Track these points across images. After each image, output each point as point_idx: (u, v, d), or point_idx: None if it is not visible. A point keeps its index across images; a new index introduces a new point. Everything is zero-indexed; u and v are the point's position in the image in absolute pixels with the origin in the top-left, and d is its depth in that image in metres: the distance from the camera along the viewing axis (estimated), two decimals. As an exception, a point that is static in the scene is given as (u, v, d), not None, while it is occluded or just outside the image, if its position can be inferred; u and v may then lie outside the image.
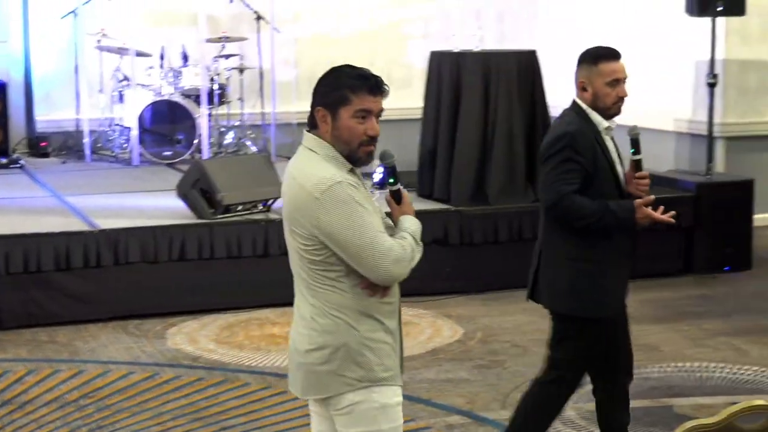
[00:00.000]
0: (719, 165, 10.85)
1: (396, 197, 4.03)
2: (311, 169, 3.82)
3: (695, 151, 11.04)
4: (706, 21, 10.24)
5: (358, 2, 12.78)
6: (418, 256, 3.92)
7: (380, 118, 3.92)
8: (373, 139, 3.88)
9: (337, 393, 3.90)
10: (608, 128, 4.95)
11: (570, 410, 6.04)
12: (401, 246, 3.86)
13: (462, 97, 9.36)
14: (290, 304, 9.00)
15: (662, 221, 4.99)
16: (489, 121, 9.29)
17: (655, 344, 7.55)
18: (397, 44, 12.96)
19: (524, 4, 13.41)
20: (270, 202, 8.85)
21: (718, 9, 10.01)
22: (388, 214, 4.04)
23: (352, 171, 3.88)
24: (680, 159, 11.37)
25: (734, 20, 10.79)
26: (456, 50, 9.76)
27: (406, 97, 12.83)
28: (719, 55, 10.67)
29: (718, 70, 10.43)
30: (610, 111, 4.93)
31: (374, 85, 3.86)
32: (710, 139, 10.28)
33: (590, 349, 5.02)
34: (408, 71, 12.92)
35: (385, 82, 3.93)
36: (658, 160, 11.38)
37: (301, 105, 12.44)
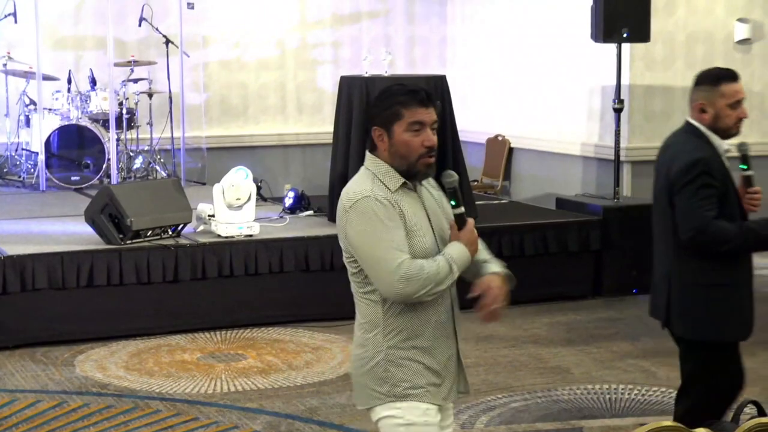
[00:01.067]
0: (626, 189, 11.00)
1: (459, 221, 3.93)
2: (352, 185, 3.94)
3: (602, 176, 11.18)
4: (612, 47, 10.40)
5: (268, 27, 12.77)
6: (447, 281, 3.86)
7: (435, 130, 3.93)
8: (430, 150, 3.89)
9: (368, 405, 4.02)
10: (727, 150, 4.95)
11: (481, 433, 6.06)
12: (419, 266, 3.82)
13: (372, 122, 9.37)
14: (200, 329, 8.98)
15: None
16: (399, 146, 9.31)
17: (566, 367, 7.62)
18: (307, 69, 12.98)
19: (434, 30, 13.51)
20: (180, 227, 8.79)
21: (623, 35, 10.16)
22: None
23: (404, 185, 3.91)
24: (587, 183, 11.51)
25: (639, 46, 10.97)
26: (366, 75, 9.79)
27: (317, 121, 12.89)
28: (625, 81, 10.84)
29: (623, 95, 10.60)
30: (731, 132, 4.93)
31: (424, 98, 3.91)
32: (617, 163, 10.42)
33: (723, 373, 5.00)
34: (318, 96, 12.94)
35: (433, 96, 3.98)
36: (566, 184, 11.53)
37: (211, 129, 12.50)
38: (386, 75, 9.87)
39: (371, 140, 3.95)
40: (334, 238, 8.90)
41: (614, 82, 10.37)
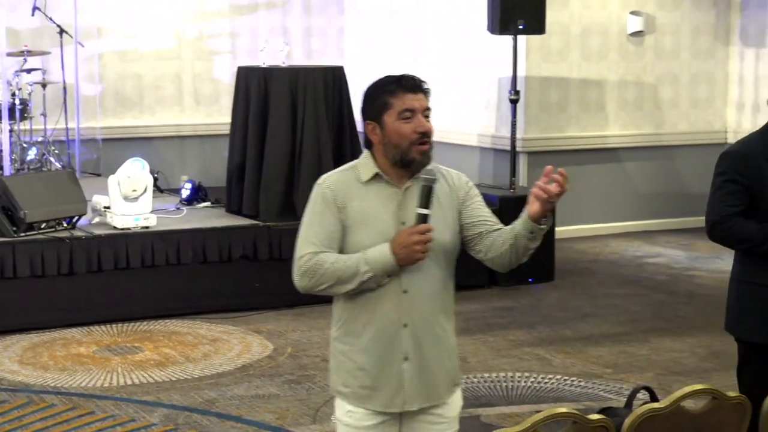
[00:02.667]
0: (522, 179, 11.11)
1: (417, 222, 3.71)
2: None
3: (499, 166, 11.28)
4: (508, 39, 10.48)
5: (164, 17, 12.65)
6: (355, 281, 3.72)
7: (428, 117, 3.81)
8: (424, 136, 3.76)
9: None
10: None
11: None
12: (319, 262, 3.76)
13: (270, 113, 9.35)
14: (96, 322, 8.86)
15: None
16: (297, 136, 9.31)
17: (463, 356, 7.67)
18: (204, 60, 12.88)
19: (331, 21, 13.50)
20: (75, 219, 8.68)
21: (519, 27, 10.25)
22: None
23: (378, 177, 3.79)
24: (484, 173, 11.60)
25: (535, 38, 11.08)
26: (263, 66, 9.75)
27: (214, 112, 12.80)
28: (521, 72, 10.95)
29: (520, 86, 10.69)
30: None
31: (411, 83, 3.80)
32: (513, 153, 10.51)
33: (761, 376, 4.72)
34: (215, 87, 12.85)
35: (422, 81, 3.84)
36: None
37: (106, 120, 12.34)
38: (284, 66, 9.84)
39: (366, 137, 3.83)
40: (231, 230, 8.95)
41: (510, 74, 10.46)
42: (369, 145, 3.84)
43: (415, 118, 3.76)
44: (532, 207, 3.71)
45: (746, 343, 4.75)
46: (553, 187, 3.69)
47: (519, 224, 3.76)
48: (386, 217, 3.76)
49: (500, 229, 3.85)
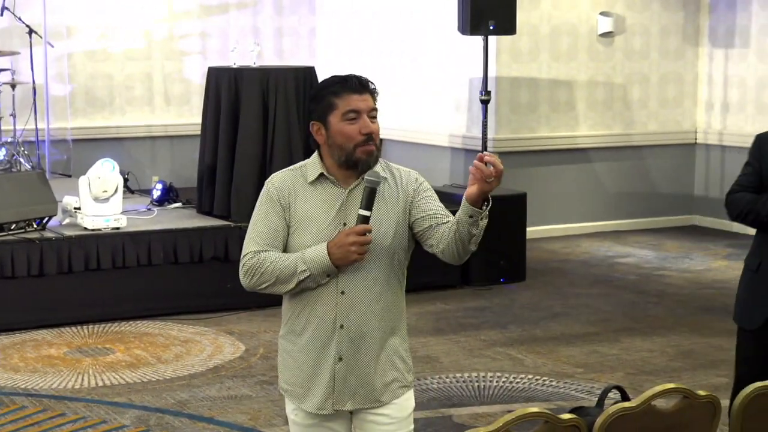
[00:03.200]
0: (493, 179, 11.12)
1: (358, 223, 3.71)
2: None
3: (470, 166, 11.29)
4: (479, 39, 10.51)
5: (134, 17, 12.60)
6: (293, 281, 3.73)
7: (374, 118, 3.78)
8: (369, 137, 3.74)
9: None
10: None
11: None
12: (261, 262, 3.77)
13: (241, 113, 9.34)
14: (67, 324, 8.81)
15: None
16: (268, 137, 9.30)
17: (435, 356, 7.69)
18: (174, 60, 12.84)
19: (302, 21, 13.49)
20: (45, 220, 8.64)
21: (490, 28, 10.27)
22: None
23: (322, 177, 3.80)
24: (455, 174, 11.62)
25: (505, 39, 11.11)
26: (234, 66, 9.74)
27: (184, 113, 12.77)
28: (492, 73, 10.97)
29: (490, 87, 10.72)
30: None
31: (356, 84, 3.77)
32: (484, 154, 10.52)
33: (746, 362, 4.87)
34: (186, 87, 12.82)
35: (369, 81, 3.81)
36: (434, 175, 11.61)
37: (76, 121, 12.29)
38: (254, 66, 9.82)
39: (312, 137, 3.83)
40: (202, 231, 8.93)
41: (481, 74, 10.48)
42: (315, 145, 3.86)
43: (360, 119, 3.75)
44: (470, 189, 3.69)
45: (739, 329, 4.97)
46: (488, 168, 3.67)
47: (460, 210, 3.74)
48: (328, 218, 3.78)
49: (449, 221, 3.84)
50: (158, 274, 8.71)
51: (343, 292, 3.78)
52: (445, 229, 3.81)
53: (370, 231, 3.71)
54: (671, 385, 3.61)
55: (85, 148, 12.03)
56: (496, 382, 7.15)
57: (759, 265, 4.81)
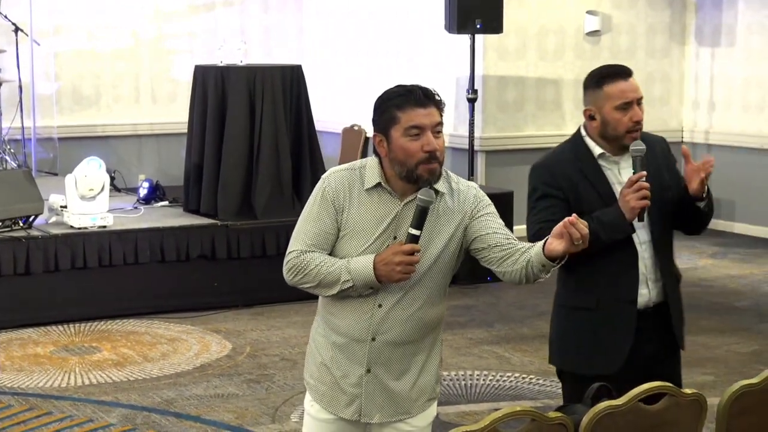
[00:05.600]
0: (480, 178, 11.15)
1: (408, 241, 3.62)
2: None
3: (457, 165, 11.30)
4: (466, 38, 10.51)
5: (121, 16, 12.58)
6: (336, 288, 3.67)
7: (439, 133, 3.64)
8: (432, 155, 3.62)
9: None
10: (602, 155, 4.34)
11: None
12: (307, 262, 3.70)
13: (227, 112, 9.33)
14: (53, 322, 8.79)
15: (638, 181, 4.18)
16: (255, 135, 9.30)
17: (421, 354, 7.68)
18: (161, 59, 12.82)
19: (290, 20, 13.48)
20: (31, 218, 8.62)
21: (477, 26, 10.28)
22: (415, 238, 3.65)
23: (379, 186, 3.70)
24: (443, 172, 11.61)
25: (492, 37, 11.12)
26: (221, 64, 9.73)
27: (171, 111, 12.75)
28: (478, 71, 10.98)
29: (477, 85, 10.73)
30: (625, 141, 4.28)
31: (421, 97, 3.64)
32: (471, 152, 10.54)
33: None
34: (173, 86, 12.80)
35: (434, 93, 3.66)
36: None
37: (63, 119, 12.27)
38: (241, 64, 9.81)
39: (374, 147, 3.74)
40: (189, 229, 8.92)
41: (468, 73, 10.48)
42: (377, 155, 3.74)
43: (423, 135, 3.62)
44: (553, 244, 3.59)
45: (567, 374, 4.47)
46: (578, 233, 3.53)
47: (534, 253, 3.66)
48: (379, 229, 3.70)
49: (513, 243, 3.75)
50: (145, 272, 8.70)
51: (380, 305, 3.73)
52: (510, 255, 3.74)
53: (418, 251, 3.63)
54: (658, 384, 3.62)
55: (72, 147, 12.00)
56: (483, 380, 7.16)
57: (598, 302, 4.32)
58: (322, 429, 3.87)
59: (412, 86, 3.69)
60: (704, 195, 4.33)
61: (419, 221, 3.62)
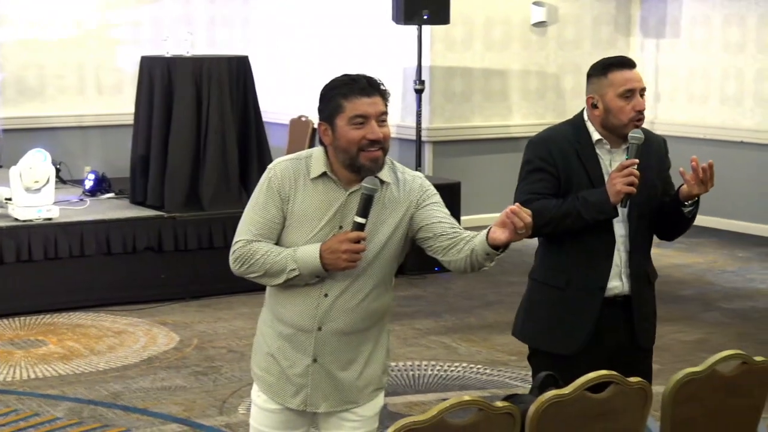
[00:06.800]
0: (427, 169, 11.17)
1: (353, 229, 3.64)
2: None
3: (404, 155, 11.31)
4: (413, 29, 10.52)
5: (66, 6, 12.47)
6: (282, 277, 3.69)
7: (384, 122, 3.68)
8: (374, 143, 3.65)
9: None
10: (599, 141, 4.41)
11: None
12: (252, 252, 3.71)
13: (174, 103, 9.28)
14: (24, 313, 8.67)
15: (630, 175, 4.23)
16: (201, 127, 9.26)
17: (369, 345, 7.69)
18: (106, 49, 12.72)
19: (236, 10, 13.42)
20: (-25, 211, 8.54)
21: (424, 17, 10.29)
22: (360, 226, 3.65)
23: (325, 176, 3.71)
24: (390, 163, 11.62)
25: (439, 28, 11.14)
26: (167, 55, 9.67)
27: (117, 102, 12.65)
28: (426, 62, 11.00)
29: (425, 76, 10.75)
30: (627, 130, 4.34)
31: (366, 86, 3.67)
32: (418, 143, 10.56)
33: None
34: (119, 76, 12.71)
35: (380, 83, 3.69)
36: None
37: (7, 110, 12.14)
38: (188, 55, 9.76)
39: (319, 137, 3.76)
40: (135, 221, 8.87)
41: (415, 64, 10.49)
42: (322, 144, 3.77)
43: (367, 124, 3.65)
44: (496, 233, 3.60)
45: (533, 351, 4.54)
46: (521, 221, 3.54)
47: (478, 242, 3.68)
48: (325, 218, 3.71)
49: (458, 232, 3.75)
50: (91, 265, 8.64)
51: (326, 295, 3.74)
52: (455, 244, 3.75)
53: (364, 239, 3.64)
54: (604, 372, 3.65)
55: (17, 138, 11.88)
56: (431, 370, 7.18)
57: (568, 282, 4.39)
58: (269, 419, 3.88)
59: (358, 75, 3.71)
60: (693, 201, 4.40)
61: (364, 209, 3.64)
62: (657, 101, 12.17)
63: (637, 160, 4.26)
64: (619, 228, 4.39)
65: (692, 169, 4.31)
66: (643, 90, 4.38)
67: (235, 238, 3.77)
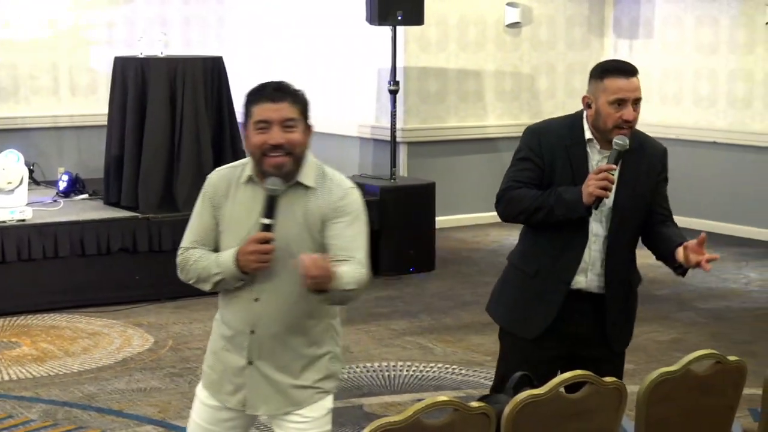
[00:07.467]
0: (402, 169, 11.18)
1: (261, 231, 3.70)
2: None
3: (379, 156, 11.33)
4: (387, 29, 10.52)
5: (39, 6, 12.42)
6: (211, 281, 3.80)
7: (290, 127, 3.69)
8: (276, 148, 3.67)
9: None
10: (591, 140, 4.46)
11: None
12: (191, 259, 3.85)
13: (148, 103, 9.26)
14: (15, 313, 8.60)
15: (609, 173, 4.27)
16: (176, 127, 9.23)
17: (345, 345, 7.66)
18: (80, 50, 12.66)
19: (211, 10, 13.39)
20: (-52, 212, 8.50)
21: (398, 18, 10.30)
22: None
23: (251, 180, 3.79)
24: (365, 164, 11.64)
25: (413, 29, 11.15)
26: (141, 56, 9.64)
27: (91, 103, 12.60)
28: (400, 63, 11.00)
29: (399, 77, 10.75)
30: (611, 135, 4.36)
31: (271, 92, 3.71)
32: (393, 144, 10.56)
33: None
34: (93, 77, 12.66)
35: (290, 88, 3.73)
36: (343, 165, 11.62)
37: (-20, 111, 12.06)
38: (162, 56, 9.74)
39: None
40: (110, 222, 8.85)
41: (389, 64, 10.50)
42: None
43: (269, 131, 3.69)
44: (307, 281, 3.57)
45: (501, 329, 4.68)
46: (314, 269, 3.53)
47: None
48: (251, 221, 3.76)
49: (345, 260, 3.72)
50: (65, 266, 8.61)
51: (257, 299, 3.81)
52: None
53: (271, 239, 3.67)
54: (579, 372, 3.67)
55: (-11, 139, 11.83)
56: (407, 371, 7.18)
57: (537, 271, 4.47)
58: (208, 414, 3.96)
59: (270, 82, 3.78)
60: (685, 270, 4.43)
61: (269, 210, 3.70)
62: (631, 102, 12.21)
63: (614, 166, 4.30)
64: (596, 227, 4.44)
65: (698, 244, 4.33)
66: (637, 100, 4.38)
67: (184, 243, 3.91)
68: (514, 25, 12.03)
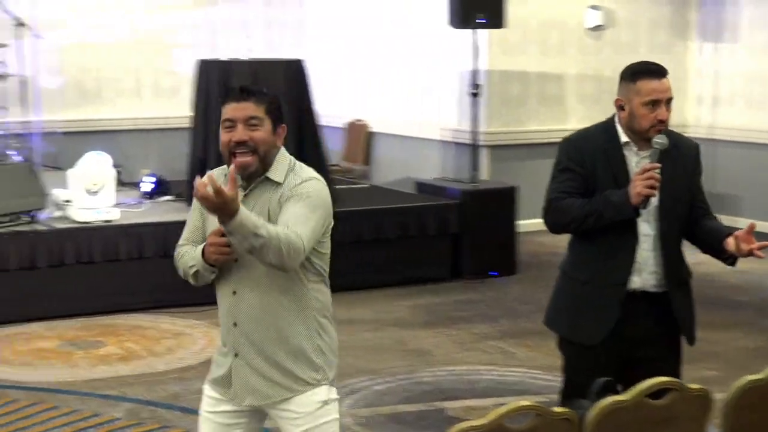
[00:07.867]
0: (483, 173, 11.16)
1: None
2: None
3: (460, 160, 11.32)
4: (469, 33, 10.52)
5: (124, 10, 12.59)
6: (190, 273, 3.96)
7: (254, 125, 3.77)
8: (240, 145, 3.77)
9: None
10: (627, 143, 4.52)
11: (347, 416, 6.10)
12: (180, 254, 4.01)
13: (231, 106, 9.32)
14: (59, 317, 8.79)
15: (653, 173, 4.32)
16: (259, 130, 9.28)
17: (427, 349, 7.71)
18: (164, 52, 12.83)
19: (291, 13, 13.49)
20: (35, 212, 8.64)
21: (480, 21, 10.29)
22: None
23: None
24: (446, 167, 11.64)
25: (495, 32, 11.12)
26: (224, 59, 9.72)
27: (174, 105, 12.76)
28: (482, 66, 10.99)
29: (481, 80, 10.74)
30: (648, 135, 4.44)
31: (237, 93, 3.82)
32: (474, 147, 10.56)
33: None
34: (176, 79, 12.81)
35: (256, 88, 3.84)
36: (425, 168, 11.64)
37: (67, 113, 12.29)
38: (244, 59, 9.82)
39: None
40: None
41: (471, 68, 10.49)
42: None
43: (233, 129, 3.78)
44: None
45: (560, 338, 4.70)
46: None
47: None
48: None
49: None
50: (150, 267, 8.71)
51: (234, 292, 3.90)
52: None
53: (224, 233, 3.73)
54: (664, 379, 3.64)
55: (76, 141, 12.00)
56: (488, 375, 7.17)
57: (590, 277, 4.52)
58: (209, 405, 4.03)
59: (241, 85, 3.91)
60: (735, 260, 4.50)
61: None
62: (715, 106, 12.08)
63: (658, 165, 4.35)
64: (645, 228, 4.48)
65: (747, 232, 4.35)
66: (669, 100, 4.45)
67: (181, 239, 4.06)
68: (596, 29, 11.96)
